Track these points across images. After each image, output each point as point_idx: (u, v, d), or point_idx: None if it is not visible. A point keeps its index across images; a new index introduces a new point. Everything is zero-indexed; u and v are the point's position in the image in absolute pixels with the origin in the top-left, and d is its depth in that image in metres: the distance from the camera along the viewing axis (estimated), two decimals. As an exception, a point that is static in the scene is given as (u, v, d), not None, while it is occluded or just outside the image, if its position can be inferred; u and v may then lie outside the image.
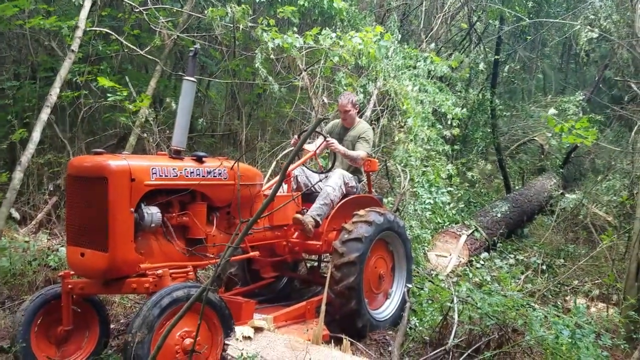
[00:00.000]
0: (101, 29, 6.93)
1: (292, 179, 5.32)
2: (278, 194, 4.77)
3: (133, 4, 6.54)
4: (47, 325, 3.83)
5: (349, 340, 3.94)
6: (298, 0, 7.45)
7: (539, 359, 4.42)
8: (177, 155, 4.02)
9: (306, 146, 5.56)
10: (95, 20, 7.15)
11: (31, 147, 5.63)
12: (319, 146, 5.46)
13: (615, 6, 10.63)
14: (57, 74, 5.91)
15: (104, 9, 7.69)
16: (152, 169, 3.73)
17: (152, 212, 3.71)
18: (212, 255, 4.11)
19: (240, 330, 3.60)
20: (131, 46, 7.10)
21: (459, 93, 10.70)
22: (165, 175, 3.80)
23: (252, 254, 4.50)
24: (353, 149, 5.56)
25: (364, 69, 7.88)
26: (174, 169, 3.86)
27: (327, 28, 7.15)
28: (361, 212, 4.99)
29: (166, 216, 3.89)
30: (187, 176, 3.94)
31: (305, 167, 5.52)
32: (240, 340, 3.51)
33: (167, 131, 8.20)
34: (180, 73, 8.63)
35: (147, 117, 6.99)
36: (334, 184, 5.17)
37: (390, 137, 7.99)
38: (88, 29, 6.36)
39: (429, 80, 8.38)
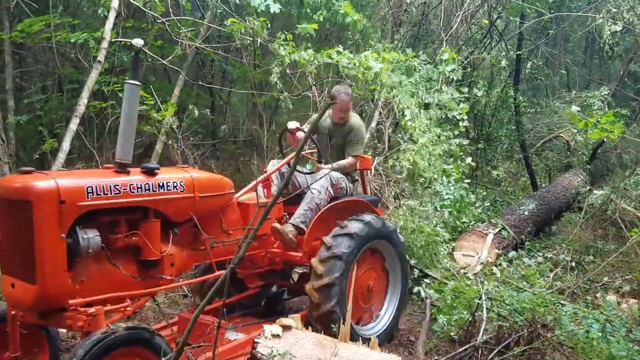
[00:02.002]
0: (126, 40, 7.09)
1: (277, 179, 4.92)
2: (254, 201, 4.48)
3: (155, 15, 6.67)
4: None
5: (376, 338, 3.95)
6: (314, 16, 7.52)
7: (570, 354, 4.38)
8: (122, 169, 3.58)
9: (299, 135, 5.08)
10: (120, 31, 7.32)
11: (61, 157, 5.78)
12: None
13: (638, -2, 10.50)
14: (85, 85, 6.07)
15: (127, 21, 7.87)
16: (88, 187, 3.29)
17: (89, 237, 3.28)
18: (169, 277, 3.73)
19: (269, 328, 3.64)
20: (154, 56, 7.25)
21: (478, 92, 10.54)
22: (105, 194, 3.36)
23: (216, 273, 4.07)
24: (343, 147, 5.16)
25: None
26: (115, 185, 3.43)
27: (339, 45, 7.20)
28: (343, 222, 4.50)
29: (111, 238, 3.48)
30: (132, 192, 3.51)
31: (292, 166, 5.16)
32: (269, 338, 3.56)
33: (192, 138, 8.34)
34: (200, 82, 8.78)
35: (171, 125, 7.11)
36: (319, 186, 4.70)
37: (396, 147, 7.98)
38: (113, 39, 6.51)
39: (437, 82, 8.31)
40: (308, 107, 7.97)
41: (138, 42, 3.62)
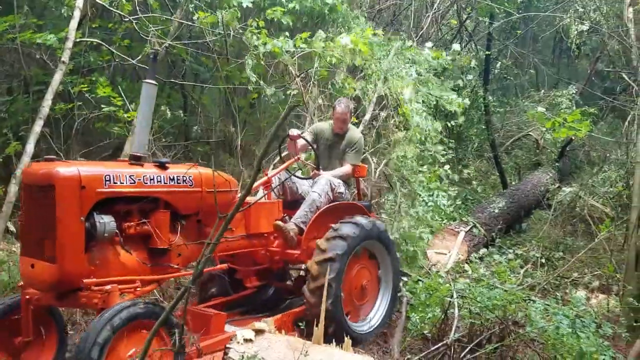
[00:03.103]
0: (92, 40, 6.93)
1: (275, 183, 5.07)
2: (260, 200, 4.72)
3: (122, 14, 6.54)
4: (6, 335, 3.67)
5: (350, 339, 3.94)
6: (288, 4, 7.44)
7: (541, 350, 4.43)
8: (136, 161, 3.85)
9: (300, 143, 5.32)
10: (86, 31, 7.15)
11: (25, 160, 5.61)
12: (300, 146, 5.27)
13: (603, -2, 10.70)
14: (49, 86, 5.91)
15: (94, 20, 7.70)
16: (106, 175, 3.54)
17: (105, 221, 3.50)
18: (176, 266, 3.92)
19: (241, 333, 3.60)
20: (123, 56, 7.10)
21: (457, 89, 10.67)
22: (121, 182, 3.61)
23: (219, 266, 4.29)
24: (342, 157, 5.42)
25: (360, 70, 7.89)
26: (131, 175, 3.67)
27: (320, 30, 7.14)
28: (335, 225, 4.67)
29: (124, 225, 3.69)
30: (146, 183, 3.74)
31: (290, 172, 5.31)
32: (241, 343, 3.51)
33: (163, 139, 8.19)
34: (172, 80, 8.63)
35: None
36: (320, 189, 4.95)
37: (386, 138, 7.99)
38: (78, 39, 6.36)
39: (428, 74, 8.38)
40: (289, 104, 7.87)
41: (155, 47, 4.15)
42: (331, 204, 4.96)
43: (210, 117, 11.01)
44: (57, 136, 8.00)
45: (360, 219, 4.82)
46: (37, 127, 5.72)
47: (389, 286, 5.15)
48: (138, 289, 3.64)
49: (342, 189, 5.20)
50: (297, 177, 5.31)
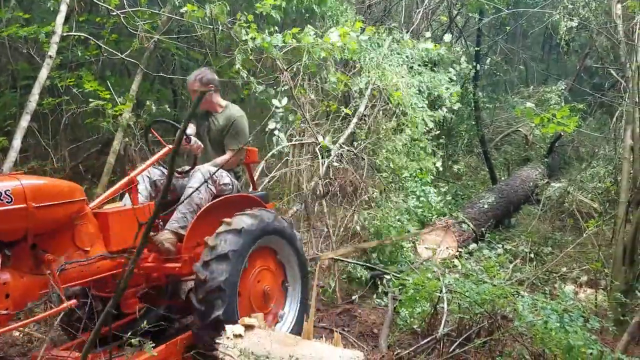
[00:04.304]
0: (79, 34, 6.86)
1: (144, 182, 4.22)
2: (120, 207, 3.94)
3: (110, 8, 6.48)
4: None
5: (340, 333, 3.94)
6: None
7: (529, 345, 4.46)
8: None
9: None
10: (74, 25, 7.09)
11: (12, 155, 5.56)
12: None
13: (593, -6, 10.75)
14: (36, 81, 5.85)
15: (81, 14, 7.63)
16: None
17: None
18: (4, 312, 3.01)
19: (230, 328, 3.59)
20: (111, 50, 7.05)
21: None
22: None
23: (63, 305, 3.22)
24: (221, 141, 4.65)
25: (351, 64, 7.88)
26: None
27: (308, 26, 7.13)
28: (227, 219, 3.91)
29: None
30: None
31: (163, 165, 4.39)
32: (231, 339, 3.50)
33: (151, 135, 8.13)
34: (162, 74, 8.57)
35: (127, 121, 6.91)
36: (197, 184, 4.10)
37: (377, 134, 7.99)
38: (65, 34, 6.30)
39: (421, 65, 8.42)
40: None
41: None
42: (216, 201, 4.19)
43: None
44: (45, 131, 7.94)
45: (260, 211, 4.13)
46: (24, 122, 5.67)
47: (296, 291, 4.49)
48: None
49: (226, 179, 4.40)
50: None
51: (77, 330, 3.74)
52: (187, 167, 4.49)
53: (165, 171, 4.25)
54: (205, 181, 4.15)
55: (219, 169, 4.34)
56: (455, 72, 9.34)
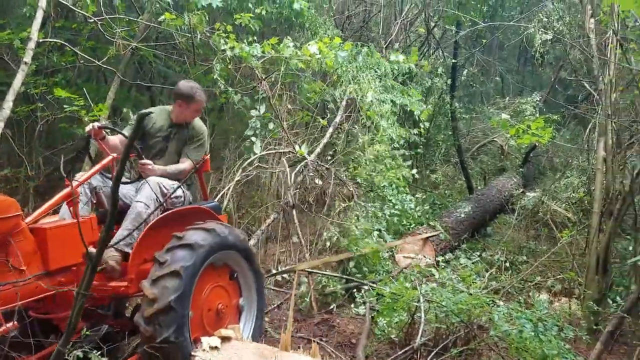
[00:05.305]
0: (55, 40, 6.78)
1: (84, 189, 3.97)
2: (59, 221, 3.69)
3: (86, 14, 6.42)
4: None
5: (318, 344, 3.93)
6: (255, 9, 7.43)
7: (505, 354, 4.51)
8: None
9: (111, 140, 4.28)
10: (50, 31, 7.00)
11: (-15, 162, 5.46)
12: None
13: (567, 8, 10.98)
14: (11, 87, 5.76)
15: (58, 21, 7.55)
16: None
17: None
18: None
19: (207, 340, 3.55)
20: (87, 57, 6.98)
21: (423, 92, 10.88)
22: None
23: (2, 328, 3.06)
24: (181, 151, 4.48)
25: (327, 74, 7.93)
26: None
27: (288, 37, 7.16)
28: (178, 233, 3.70)
29: None
30: None
31: (106, 175, 4.14)
32: (207, 351, 3.47)
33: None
34: (139, 82, 8.51)
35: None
36: (146, 198, 3.91)
37: (354, 144, 8.04)
38: (41, 40, 6.22)
39: (394, 80, 8.50)
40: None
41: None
42: (165, 214, 3.92)
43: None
44: (19, 138, 7.81)
45: (213, 224, 3.92)
46: (-2, 129, 5.56)
47: (252, 306, 4.28)
48: None
49: (178, 191, 4.18)
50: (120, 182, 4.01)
51: (3, 352, 3.47)
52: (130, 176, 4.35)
53: (106, 178, 4.08)
54: (162, 203, 3.94)
55: (172, 175, 4.19)
56: (424, 89, 9.47)
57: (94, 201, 4.06)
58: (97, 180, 4.08)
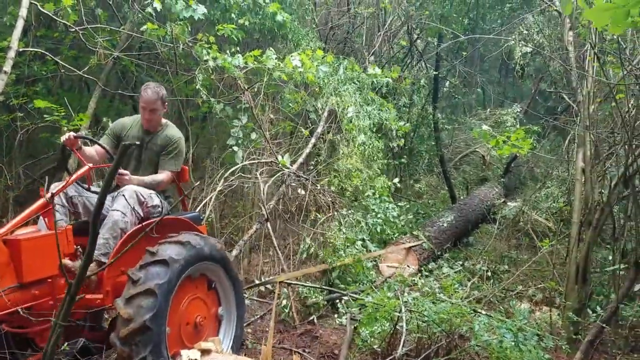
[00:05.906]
0: (36, 50, 6.73)
1: (61, 199, 3.89)
2: (33, 232, 3.60)
3: (68, 24, 6.39)
4: None
5: (300, 354, 3.92)
6: (238, 20, 7.45)
7: (486, 363, 4.53)
8: None
9: (87, 150, 4.23)
10: (31, 40, 6.95)
11: (-37, 173, 5.38)
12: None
13: (546, 21, 11.16)
14: (-10, 97, 5.70)
15: (39, 30, 7.49)
16: None
17: None
18: None
19: (187, 354, 3.52)
20: (68, 66, 6.94)
21: (403, 108, 11.01)
22: None
23: None
24: (156, 162, 4.38)
25: (309, 85, 7.97)
26: None
27: (271, 48, 7.18)
28: (151, 248, 3.59)
29: None
30: None
31: (81, 185, 4.01)
32: (187, 362, 3.44)
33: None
34: (121, 92, 8.47)
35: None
36: (123, 207, 3.82)
37: (336, 154, 8.08)
38: (21, 49, 6.17)
39: (373, 92, 8.59)
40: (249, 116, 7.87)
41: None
42: (143, 224, 3.83)
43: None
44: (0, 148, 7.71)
45: (187, 236, 3.80)
46: (-24, 138, 5.49)
47: (232, 317, 4.20)
48: None
49: (155, 201, 4.10)
50: (93, 191, 3.98)
51: None
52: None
53: (80, 188, 3.98)
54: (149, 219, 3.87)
55: (150, 186, 4.10)
56: (407, 100, 9.57)
57: (71, 210, 3.98)
58: (72, 190, 4.00)
